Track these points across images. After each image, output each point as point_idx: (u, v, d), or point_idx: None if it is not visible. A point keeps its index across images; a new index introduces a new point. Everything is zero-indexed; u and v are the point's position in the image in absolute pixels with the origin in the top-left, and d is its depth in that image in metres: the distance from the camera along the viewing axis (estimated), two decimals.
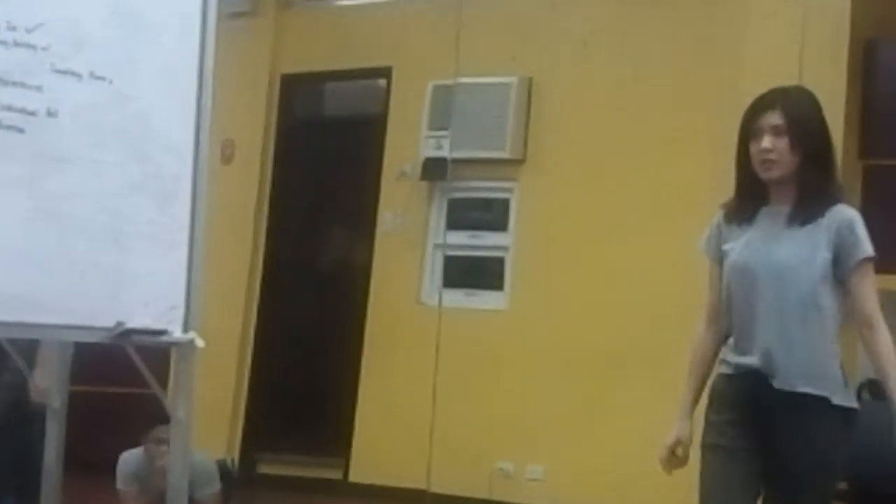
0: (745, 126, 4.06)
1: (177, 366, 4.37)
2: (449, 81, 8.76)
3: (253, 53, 9.74)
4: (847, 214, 4.00)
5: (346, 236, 10.05)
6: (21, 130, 3.95)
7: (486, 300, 8.97)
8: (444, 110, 8.88)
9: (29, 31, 3.97)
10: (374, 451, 9.03)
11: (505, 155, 8.83)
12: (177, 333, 4.28)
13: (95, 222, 4.09)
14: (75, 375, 4.91)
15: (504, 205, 9.02)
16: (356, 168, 9.73)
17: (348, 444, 9.21)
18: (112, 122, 4.16)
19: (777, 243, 4.00)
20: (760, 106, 4.04)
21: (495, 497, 8.45)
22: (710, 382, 4.15)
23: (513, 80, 8.80)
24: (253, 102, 9.85)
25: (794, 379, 3.93)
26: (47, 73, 4.01)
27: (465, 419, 8.54)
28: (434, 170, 9.00)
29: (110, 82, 4.16)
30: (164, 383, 4.39)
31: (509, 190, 8.99)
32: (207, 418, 7.38)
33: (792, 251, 3.97)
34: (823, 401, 3.93)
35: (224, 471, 6.15)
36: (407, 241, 9.22)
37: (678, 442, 4.10)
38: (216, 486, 5.95)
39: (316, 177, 10.01)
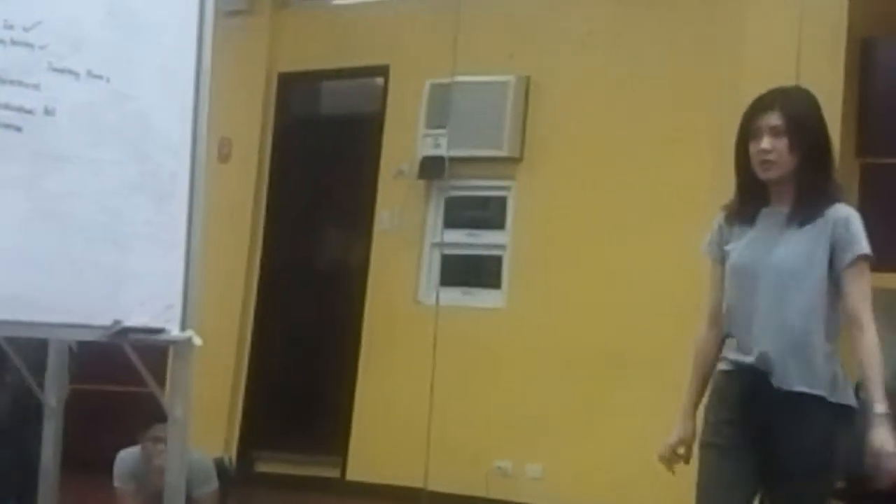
0: (745, 126, 4.06)
1: (174, 364, 4.37)
2: (446, 80, 8.76)
3: (250, 52, 9.74)
4: (844, 213, 4.00)
5: (344, 235, 10.06)
6: (19, 129, 3.95)
7: (483, 299, 8.97)
8: (441, 109, 8.88)
9: (27, 29, 3.97)
10: (372, 450, 9.03)
11: (502, 153, 8.83)
12: (174, 332, 4.29)
13: (93, 221, 4.10)
14: (73, 374, 4.91)
15: (501, 203, 9.03)
16: (353, 166, 9.72)
17: (346, 443, 9.21)
18: (110, 121, 4.16)
19: (776, 244, 4.00)
20: (759, 106, 4.04)
21: (493, 496, 8.45)
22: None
23: (510, 78, 8.79)
24: (250, 101, 9.85)
25: (791, 378, 3.93)
26: (45, 72, 4.01)
27: (462, 418, 8.54)
28: (431, 168, 9.00)
29: (108, 81, 4.16)
30: (161, 382, 4.39)
31: (507, 188, 8.99)
32: (205, 417, 7.38)
33: (791, 251, 3.98)
34: (820, 399, 3.93)
35: (221, 469, 6.14)
36: (404, 240, 9.22)
37: (680, 441, 4.11)
38: (214, 484, 5.95)
39: (313, 175, 10.00)
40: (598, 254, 8.37)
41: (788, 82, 4.72)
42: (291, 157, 10.02)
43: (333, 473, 9.23)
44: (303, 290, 9.93)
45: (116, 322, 4.12)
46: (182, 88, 4.34)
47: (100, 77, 4.13)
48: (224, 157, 9.72)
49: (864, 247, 3.97)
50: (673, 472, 4.14)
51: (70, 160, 4.05)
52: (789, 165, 3.99)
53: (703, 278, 4.23)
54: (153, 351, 4.27)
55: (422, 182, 9.15)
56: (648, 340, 7.87)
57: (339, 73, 9.84)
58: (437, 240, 9.09)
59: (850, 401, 4.00)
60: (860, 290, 3.96)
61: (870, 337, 3.91)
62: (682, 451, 4.11)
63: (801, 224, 3.99)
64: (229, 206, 9.24)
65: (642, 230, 8.17)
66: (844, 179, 5.76)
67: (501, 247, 8.99)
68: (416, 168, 9.10)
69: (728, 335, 4.10)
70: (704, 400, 4.15)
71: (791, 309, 3.94)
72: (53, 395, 4.75)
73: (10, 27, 3.94)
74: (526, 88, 8.82)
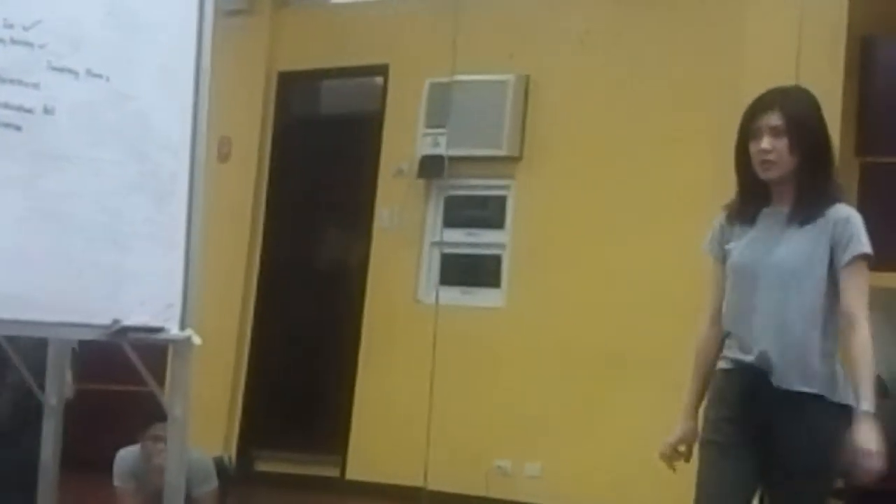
0: (745, 126, 4.06)
1: (174, 363, 4.36)
2: (446, 79, 8.77)
3: (249, 51, 9.74)
4: (845, 213, 4.01)
5: (343, 234, 10.06)
6: (18, 128, 3.94)
7: (482, 298, 8.97)
8: (440, 108, 8.88)
9: (26, 28, 3.97)
10: (371, 449, 9.03)
11: (502, 152, 8.83)
12: (174, 331, 4.28)
13: (93, 221, 4.09)
14: (76, 374, 4.91)
15: (501, 202, 9.03)
16: (353, 166, 9.72)
17: (345, 442, 9.21)
18: (109, 121, 4.15)
19: (777, 243, 4.01)
20: (760, 106, 4.04)
21: (492, 495, 8.45)
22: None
23: (510, 77, 8.80)
24: (250, 100, 9.85)
25: (791, 377, 3.94)
26: (44, 71, 4.00)
27: (462, 417, 8.55)
28: (431, 167, 9.00)
29: (107, 80, 4.15)
30: (161, 381, 4.39)
31: (506, 187, 8.99)
32: (204, 416, 7.38)
33: (791, 251, 3.98)
34: (820, 399, 3.93)
35: (221, 468, 6.15)
36: (404, 239, 9.22)
37: (681, 440, 4.12)
38: (213, 483, 5.95)
39: (313, 174, 10.01)
40: (597, 254, 8.38)
41: (788, 82, 4.73)
42: (291, 157, 10.02)
43: (333, 472, 9.23)
44: (302, 290, 9.93)
45: (116, 321, 4.12)
46: (182, 88, 4.33)
47: (99, 76, 4.13)
48: (224, 157, 9.72)
49: (863, 246, 3.97)
50: (674, 470, 4.14)
51: (69, 160, 4.04)
52: (789, 165, 3.99)
53: (704, 278, 4.23)
54: (153, 350, 4.27)
55: (421, 181, 9.15)
56: (648, 340, 7.88)
57: (338, 73, 9.84)
58: (437, 239, 9.10)
59: (850, 400, 3.99)
60: (857, 287, 3.96)
61: (863, 335, 3.90)
62: (682, 449, 4.12)
63: (802, 224, 3.99)
64: (229, 205, 9.24)
65: (642, 230, 8.17)
66: (844, 179, 5.75)
67: (501, 246, 8.99)
68: (415, 167, 9.11)
69: (728, 334, 4.11)
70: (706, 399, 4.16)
71: (791, 308, 3.94)
72: (53, 394, 4.74)
73: (10, 26, 3.93)
74: (525, 88, 8.83)
